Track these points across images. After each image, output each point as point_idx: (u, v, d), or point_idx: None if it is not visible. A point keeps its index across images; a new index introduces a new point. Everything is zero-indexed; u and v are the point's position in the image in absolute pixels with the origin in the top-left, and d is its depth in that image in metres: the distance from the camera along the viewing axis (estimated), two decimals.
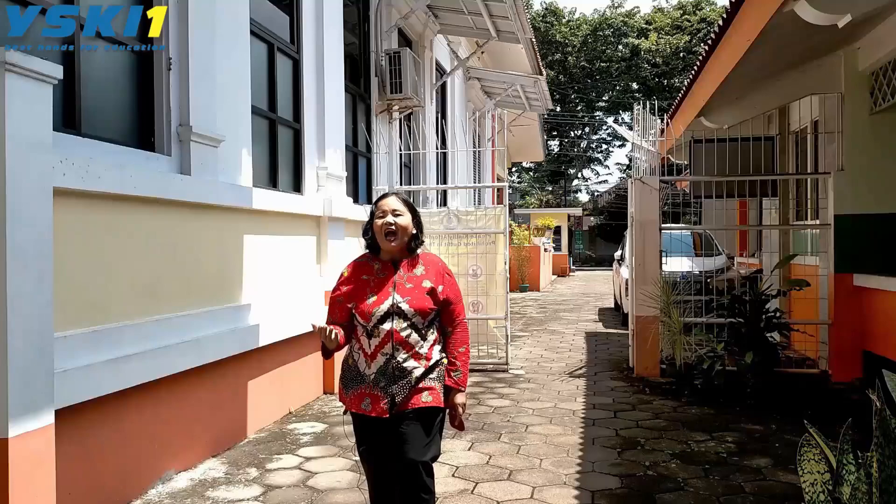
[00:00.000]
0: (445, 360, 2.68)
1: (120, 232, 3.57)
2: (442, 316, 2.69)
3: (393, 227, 2.59)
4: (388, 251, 2.64)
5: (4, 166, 2.53)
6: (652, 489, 3.75)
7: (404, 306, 2.56)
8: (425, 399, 2.57)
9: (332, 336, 2.49)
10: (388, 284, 2.61)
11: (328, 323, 2.64)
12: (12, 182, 2.56)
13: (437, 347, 2.67)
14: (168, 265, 3.96)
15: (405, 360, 2.56)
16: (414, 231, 2.67)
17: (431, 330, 2.66)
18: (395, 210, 2.62)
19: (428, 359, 2.61)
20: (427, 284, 2.63)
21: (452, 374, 2.65)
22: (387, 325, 2.55)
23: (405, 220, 2.63)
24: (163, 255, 3.91)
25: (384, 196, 2.69)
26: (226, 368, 4.49)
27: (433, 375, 2.62)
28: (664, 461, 4.21)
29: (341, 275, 2.72)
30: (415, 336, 2.58)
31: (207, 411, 4.34)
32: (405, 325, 2.56)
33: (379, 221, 2.61)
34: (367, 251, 2.74)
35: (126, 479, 3.60)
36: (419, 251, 2.75)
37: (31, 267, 2.65)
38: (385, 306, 2.56)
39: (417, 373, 2.57)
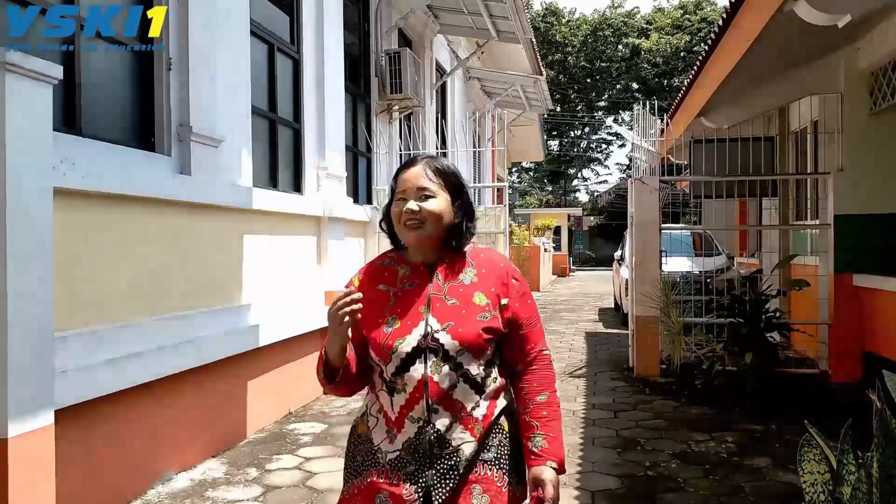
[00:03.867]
0: (506, 421, 1.69)
1: (120, 232, 3.57)
2: (506, 346, 1.70)
3: (416, 219, 1.64)
4: (415, 248, 1.71)
5: (4, 166, 2.52)
6: (652, 489, 3.75)
7: (444, 338, 1.59)
8: (477, 502, 1.60)
9: (347, 316, 1.55)
10: (418, 301, 1.65)
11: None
12: (12, 182, 2.55)
13: (503, 403, 1.68)
14: (168, 265, 3.96)
15: (449, 429, 1.59)
16: (457, 219, 1.69)
17: (492, 374, 1.67)
18: (422, 189, 1.66)
19: (486, 421, 1.63)
20: (481, 300, 1.65)
21: (532, 439, 1.66)
22: (417, 371, 1.58)
23: (437, 203, 1.65)
24: (163, 255, 3.91)
25: (409, 164, 1.73)
26: (226, 368, 4.49)
27: (491, 454, 1.64)
28: (664, 461, 4.21)
29: (350, 286, 1.72)
30: (464, 387, 1.60)
31: (207, 411, 4.33)
32: (447, 369, 1.59)
33: (397, 207, 1.68)
34: (392, 247, 1.80)
35: (126, 479, 3.60)
36: (468, 247, 1.76)
37: (32, 267, 2.65)
38: (412, 339, 1.59)
39: (469, 449, 1.60)
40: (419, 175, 1.68)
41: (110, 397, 3.39)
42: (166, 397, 3.89)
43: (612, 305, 13.70)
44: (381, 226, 1.80)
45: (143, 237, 3.75)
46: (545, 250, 21.08)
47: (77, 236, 3.27)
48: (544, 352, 1.74)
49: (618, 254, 12.91)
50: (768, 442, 4.58)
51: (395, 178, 1.73)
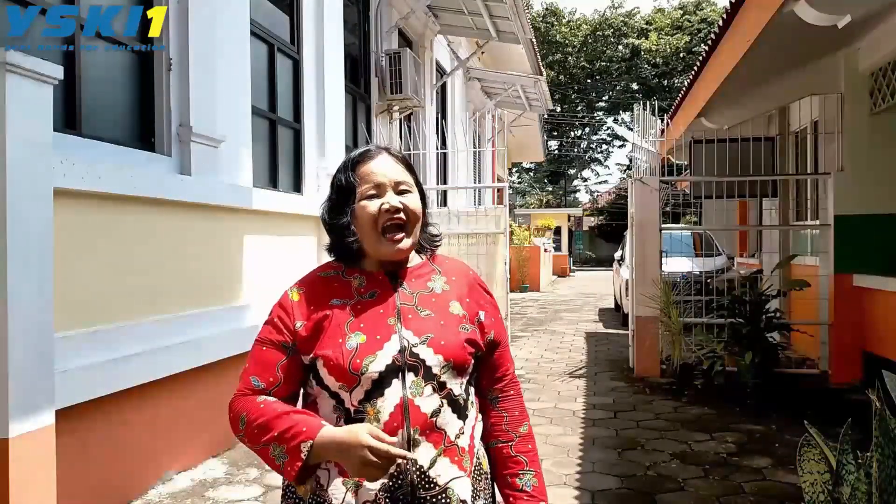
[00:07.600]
0: (485, 460, 1.45)
1: (120, 232, 3.57)
2: (482, 368, 1.47)
3: (402, 217, 1.38)
4: (386, 257, 1.41)
5: (5, 167, 2.52)
6: (652, 489, 3.75)
7: (425, 353, 1.34)
8: None
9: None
10: (384, 312, 1.38)
11: (243, 388, 1.48)
12: (13, 182, 2.55)
13: (479, 433, 1.45)
14: (168, 265, 3.96)
15: (435, 465, 1.32)
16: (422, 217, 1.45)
17: (471, 396, 1.44)
18: (398, 183, 1.39)
19: (471, 455, 1.39)
20: (458, 310, 1.42)
21: (521, 476, 1.43)
22: (393, 394, 1.31)
23: (416, 201, 1.41)
24: (163, 255, 3.91)
25: (369, 154, 1.42)
26: (226, 368, 4.49)
27: (485, 500, 1.42)
28: (664, 461, 4.21)
29: (285, 300, 1.45)
30: (447, 411, 1.35)
31: (207, 411, 4.33)
32: (429, 389, 1.33)
33: (372, 205, 1.37)
34: (334, 260, 1.50)
35: (126, 479, 3.60)
36: (428, 253, 1.53)
37: (32, 267, 2.65)
38: (385, 355, 1.32)
39: (460, 488, 1.34)
40: (390, 165, 1.40)
41: (110, 397, 3.39)
42: (166, 397, 3.89)
43: (613, 305, 13.70)
44: (329, 251, 1.49)
45: (143, 237, 3.75)
46: (545, 250, 21.09)
47: (77, 236, 3.27)
48: (515, 374, 1.55)
49: (618, 254, 12.92)
50: (768, 442, 4.58)
51: (350, 171, 1.40)
